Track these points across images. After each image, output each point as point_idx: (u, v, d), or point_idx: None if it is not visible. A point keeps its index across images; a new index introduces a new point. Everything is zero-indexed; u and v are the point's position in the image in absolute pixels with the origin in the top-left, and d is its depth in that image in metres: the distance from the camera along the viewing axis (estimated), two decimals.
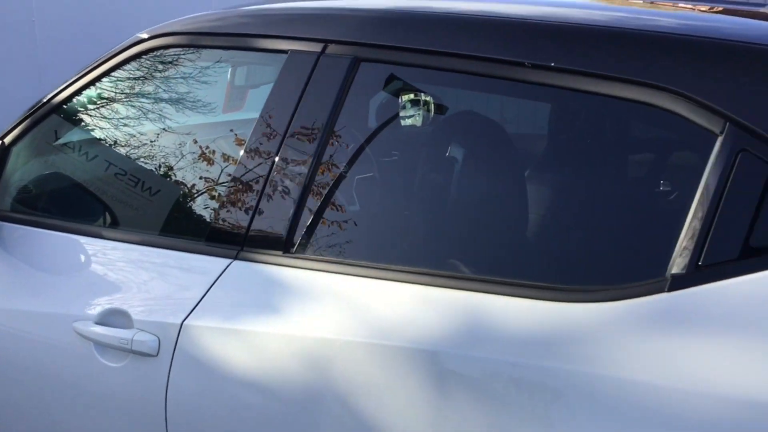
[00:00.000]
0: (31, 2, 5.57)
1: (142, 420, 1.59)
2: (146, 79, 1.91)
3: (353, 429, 1.32)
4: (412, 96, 1.58)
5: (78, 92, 1.91)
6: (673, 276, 1.14)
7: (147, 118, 1.91)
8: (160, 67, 1.89)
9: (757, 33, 1.35)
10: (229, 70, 1.95)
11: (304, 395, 1.38)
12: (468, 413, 1.22)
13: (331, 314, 1.39)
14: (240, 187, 1.59)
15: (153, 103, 1.92)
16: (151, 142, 1.91)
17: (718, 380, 1.07)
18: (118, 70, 1.88)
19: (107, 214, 1.88)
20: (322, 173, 1.52)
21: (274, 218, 1.53)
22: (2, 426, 1.96)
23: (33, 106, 1.96)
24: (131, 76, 1.91)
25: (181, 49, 1.83)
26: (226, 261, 1.55)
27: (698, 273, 1.12)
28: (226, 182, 1.65)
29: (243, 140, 1.64)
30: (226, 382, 1.47)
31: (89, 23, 5.58)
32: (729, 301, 1.10)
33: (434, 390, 1.26)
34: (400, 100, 1.59)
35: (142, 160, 1.89)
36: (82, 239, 1.79)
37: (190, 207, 1.78)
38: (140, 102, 1.94)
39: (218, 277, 1.55)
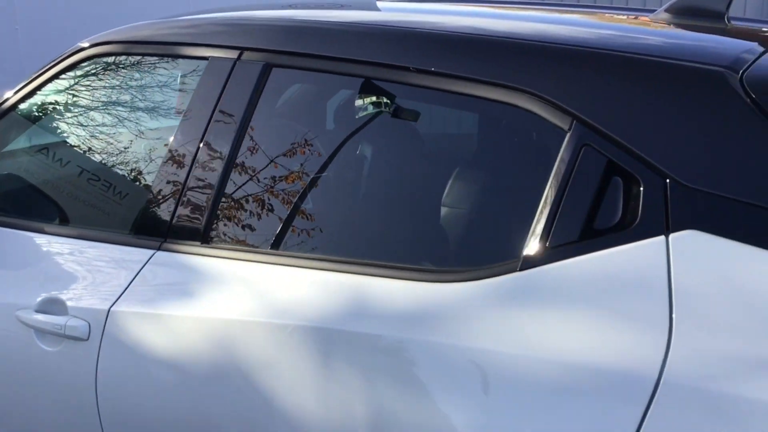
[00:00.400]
0: (14, 10, 5.71)
1: (77, 400, 1.72)
2: (87, 84, 2.05)
3: (254, 399, 1.46)
4: (316, 97, 1.71)
5: (25, 98, 2.05)
6: (524, 257, 1.28)
7: (86, 120, 2.05)
8: (100, 73, 2.03)
9: (604, 39, 1.49)
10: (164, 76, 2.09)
11: (212, 371, 1.52)
12: (351, 381, 1.36)
13: (237, 298, 1.53)
14: (164, 184, 1.73)
15: (91, 106, 2.06)
16: (89, 143, 2.05)
17: (557, 346, 1.20)
18: (62, 76, 2.02)
19: (48, 210, 2.02)
20: (236, 172, 1.66)
21: (192, 213, 1.67)
22: None
23: None
24: (74, 81, 2.05)
25: (117, 56, 1.98)
26: (150, 252, 1.69)
27: (545, 253, 1.26)
28: (152, 180, 1.79)
29: (168, 141, 1.78)
30: (147, 362, 1.61)
31: (73, 30, 5.71)
32: (570, 277, 1.23)
33: (322, 362, 1.39)
34: (305, 101, 1.73)
35: (79, 160, 2.03)
36: (26, 234, 1.93)
37: (121, 203, 1.92)
38: (80, 106, 2.08)
39: (143, 267, 1.68)
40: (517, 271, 1.27)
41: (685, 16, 1.72)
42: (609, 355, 1.16)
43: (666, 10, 1.76)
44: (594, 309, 1.20)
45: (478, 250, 1.46)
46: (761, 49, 1.42)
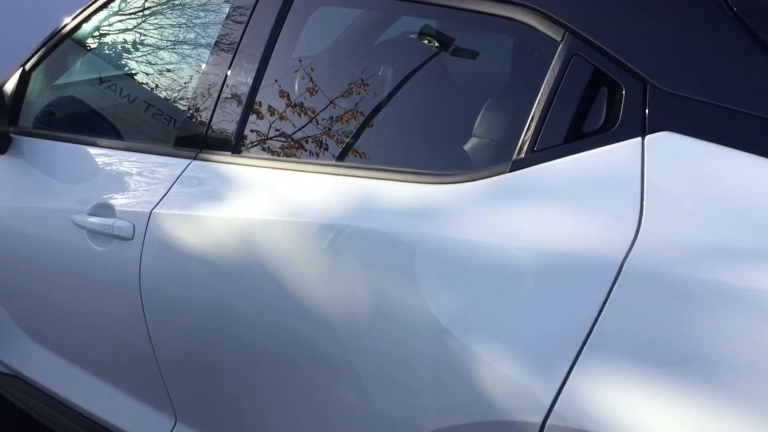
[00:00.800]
0: None
1: (123, 293, 1.92)
2: (142, 10, 2.21)
3: (271, 288, 1.61)
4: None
5: (79, 25, 2.23)
6: (514, 160, 1.38)
7: (134, 46, 2.21)
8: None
9: None
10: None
11: (237, 265, 1.68)
12: (355, 270, 1.50)
13: (260, 200, 1.68)
14: (200, 100, 1.89)
15: (144, 31, 2.22)
16: (137, 66, 2.22)
17: (537, 238, 1.31)
18: (111, 5, 2.18)
19: (100, 127, 2.21)
20: (262, 90, 1.80)
21: (225, 126, 1.82)
22: (15, 307, 2.34)
23: (49, 36, 2.29)
24: (129, 7, 2.21)
25: None
26: (187, 161, 1.86)
27: (533, 156, 1.36)
28: (190, 97, 1.94)
29: (205, 61, 1.93)
30: (182, 258, 1.79)
31: None
32: (554, 177, 1.34)
33: (332, 254, 1.54)
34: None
35: (129, 82, 2.21)
36: (81, 148, 2.12)
37: (164, 118, 2.09)
38: (135, 30, 2.24)
39: (180, 174, 1.85)
40: (507, 172, 1.38)
41: None
42: (581, 243, 1.26)
43: None
44: (573, 205, 1.31)
45: (474, 155, 1.57)
46: None
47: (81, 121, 2.29)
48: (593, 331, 1.21)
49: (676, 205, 1.22)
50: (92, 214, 1.97)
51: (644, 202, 1.24)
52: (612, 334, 1.20)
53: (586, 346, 1.22)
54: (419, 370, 1.41)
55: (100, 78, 2.26)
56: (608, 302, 1.21)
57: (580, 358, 1.22)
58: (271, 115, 1.81)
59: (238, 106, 1.80)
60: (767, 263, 1.12)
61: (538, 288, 1.29)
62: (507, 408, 1.29)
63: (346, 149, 1.75)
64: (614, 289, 1.21)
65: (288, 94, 1.82)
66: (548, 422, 1.23)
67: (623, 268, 1.21)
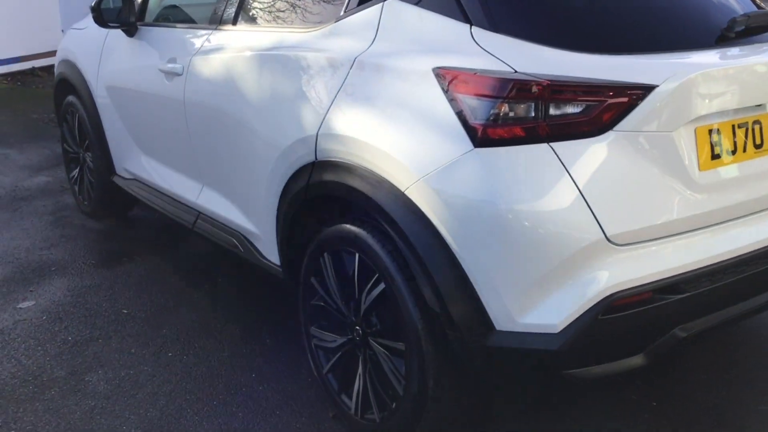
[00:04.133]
0: None
1: (177, 108, 3.46)
2: None
3: (232, 90, 3.08)
4: None
5: None
6: (336, 18, 2.75)
7: None
8: None
9: None
10: None
11: (219, 79, 3.17)
12: (267, 76, 2.93)
13: (235, 48, 3.15)
14: (220, 5, 3.39)
15: None
16: None
17: (328, 53, 2.68)
18: None
19: (182, 18, 3.79)
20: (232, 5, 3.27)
21: (229, 13, 3.31)
22: (133, 131, 3.97)
23: None
24: None
25: None
26: (210, 32, 3.37)
27: (342, 16, 2.72)
28: (217, 4, 3.45)
29: None
30: (202, 81, 3.30)
31: None
32: (348, 25, 2.69)
33: (257, 68, 2.97)
34: None
35: None
36: (170, 30, 3.70)
37: (208, 11, 3.60)
38: None
39: (206, 38, 3.36)
40: (332, 23, 2.74)
41: None
42: (342, 51, 2.61)
43: None
44: (348, 36, 2.64)
45: (320, 18, 2.92)
46: None
47: (172, 17, 3.87)
48: (337, 94, 2.56)
49: (391, 34, 2.53)
50: (168, 63, 3.53)
51: (378, 32, 2.56)
52: (345, 93, 2.54)
53: (333, 101, 2.56)
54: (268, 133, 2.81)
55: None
56: (347, 78, 2.55)
57: (330, 107, 2.57)
58: (246, 13, 3.26)
59: (234, 8, 3.28)
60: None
61: (316, 74, 2.65)
62: (301, 134, 2.66)
63: (264, 19, 3.17)
64: (350, 71, 2.54)
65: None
66: (319, 132, 2.59)
67: (355, 61, 2.54)
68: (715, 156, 2.31)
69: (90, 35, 4.43)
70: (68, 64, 4.66)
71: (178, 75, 3.44)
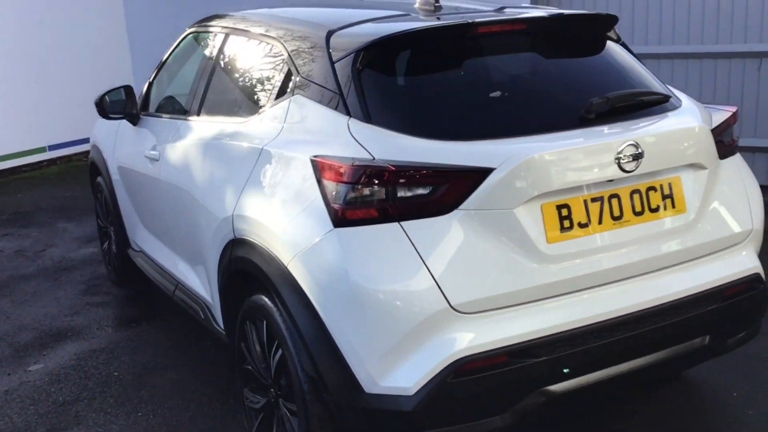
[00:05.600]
0: None
1: (157, 186, 3.86)
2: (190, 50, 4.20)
3: (182, 169, 3.45)
4: None
5: (167, 60, 4.27)
6: (260, 108, 3.09)
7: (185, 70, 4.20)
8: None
9: None
10: None
11: (175, 161, 3.56)
12: (208, 159, 3.30)
13: (186, 134, 3.53)
14: (189, 98, 3.80)
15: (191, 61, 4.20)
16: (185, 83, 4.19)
17: (254, 142, 3.01)
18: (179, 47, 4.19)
19: (171, 109, 4.23)
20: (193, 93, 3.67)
21: (194, 105, 3.72)
22: (137, 208, 4.41)
23: (158, 64, 4.37)
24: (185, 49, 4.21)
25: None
26: (181, 121, 3.79)
27: (267, 105, 3.06)
28: (188, 94, 3.86)
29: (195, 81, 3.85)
30: (168, 163, 3.70)
31: None
32: (268, 115, 3.03)
33: (201, 152, 3.34)
34: None
35: (184, 91, 4.20)
36: (159, 120, 4.14)
37: (182, 108, 4.02)
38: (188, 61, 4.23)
39: (178, 127, 3.78)
40: (257, 114, 3.08)
41: None
42: (254, 139, 2.94)
43: None
44: (268, 125, 2.97)
45: (249, 110, 3.26)
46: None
47: (165, 107, 4.33)
48: (248, 179, 2.87)
49: (293, 126, 2.84)
50: (150, 150, 3.96)
51: (285, 123, 2.88)
52: (253, 179, 2.85)
53: (245, 186, 2.88)
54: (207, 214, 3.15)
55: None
56: (255, 165, 2.87)
57: (243, 190, 2.88)
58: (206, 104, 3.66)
59: (199, 101, 3.68)
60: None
61: (238, 160, 2.98)
62: (224, 214, 2.99)
63: (217, 110, 3.54)
64: (258, 159, 2.86)
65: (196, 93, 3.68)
66: (234, 213, 2.91)
67: (263, 150, 2.86)
68: (565, 229, 2.47)
69: (109, 123, 4.96)
70: (95, 148, 5.20)
71: (156, 160, 3.86)
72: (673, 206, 2.65)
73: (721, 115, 2.92)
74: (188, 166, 3.46)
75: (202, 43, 4.05)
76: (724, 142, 2.87)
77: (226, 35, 3.66)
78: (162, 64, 4.41)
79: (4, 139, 9.29)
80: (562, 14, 3.03)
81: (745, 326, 2.90)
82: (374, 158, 2.41)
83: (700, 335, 2.72)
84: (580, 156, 2.49)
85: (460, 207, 2.36)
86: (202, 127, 3.53)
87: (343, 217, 2.40)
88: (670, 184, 2.64)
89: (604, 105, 2.60)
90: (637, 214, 2.58)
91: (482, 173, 2.36)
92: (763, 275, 2.90)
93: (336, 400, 2.47)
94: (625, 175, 2.51)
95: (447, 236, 2.36)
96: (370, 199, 2.38)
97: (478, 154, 2.40)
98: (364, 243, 2.38)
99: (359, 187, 2.38)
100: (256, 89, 3.28)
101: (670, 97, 2.86)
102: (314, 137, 2.69)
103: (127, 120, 4.44)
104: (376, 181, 2.37)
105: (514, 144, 2.45)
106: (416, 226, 2.36)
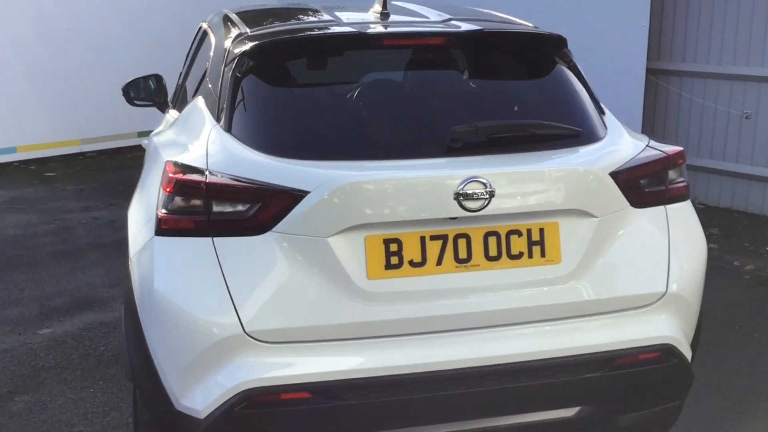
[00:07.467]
0: None
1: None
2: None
3: None
4: None
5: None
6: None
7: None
8: None
9: None
10: None
11: None
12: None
13: None
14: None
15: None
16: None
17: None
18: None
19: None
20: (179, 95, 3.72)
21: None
22: None
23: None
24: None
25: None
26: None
27: None
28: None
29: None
30: None
31: None
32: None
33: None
34: None
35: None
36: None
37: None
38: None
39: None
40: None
41: None
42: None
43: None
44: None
45: None
46: None
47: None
48: (142, 174, 2.88)
49: (183, 126, 2.82)
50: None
51: (181, 123, 2.86)
52: (144, 174, 2.86)
53: (140, 180, 2.90)
54: None
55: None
56: (150, 159, 2.87)
57: (138, 185, 2.90)
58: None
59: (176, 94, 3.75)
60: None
61: (151, 154, 3.00)
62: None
63: (176, 102, 3.57)
64: (151, 155, 2.86)
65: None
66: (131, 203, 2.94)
67: (156, 148, 2.85)
68: (392, 265, 2.24)
69: None
70: None
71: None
72: (543, 255, 2.32)
73: (647, 155, 2.50)
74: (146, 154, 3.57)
75: (196, 39, 4.13)
76: (644, 188, 2.46)
77: (204, 32, 3.70)
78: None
79: (134, 118, 9.99)
80: (493, 31, 2.74)
81: (648, 404, 2.49)
82: (207, 169, 2.32)
83: (570, 405, 2.37)
84: (411, 188, 2.24)
85: (274, 229, 2.23)
86: (167, 119, 3.62)
87: (161, 225, 2.34)
88: (541, 230, 2.31)
89: (469, 134, 2.33)
90: (490, 258, 2.29)
91: (297, 195, 2.20)
92: (682, 348, 2.47)
93: (154, 411, 2.43)
94: (472, 214, 2.23)
95: (255, 258, 2.23)
96: (187, 210, 2.30)
97: (297, 174, 2.25)
98: (174, 255, 2.31)
99: (177, 197, 2.31)
100: (193, 87, 3.29)
101: (579, 131, 2.49)
102: (186, 140, 2.66)
103: (157, 108, 4.62)
104: (193, 194, 2.28)
105: (337, 168, 2.26)
106: (227, 244, 2.25)
